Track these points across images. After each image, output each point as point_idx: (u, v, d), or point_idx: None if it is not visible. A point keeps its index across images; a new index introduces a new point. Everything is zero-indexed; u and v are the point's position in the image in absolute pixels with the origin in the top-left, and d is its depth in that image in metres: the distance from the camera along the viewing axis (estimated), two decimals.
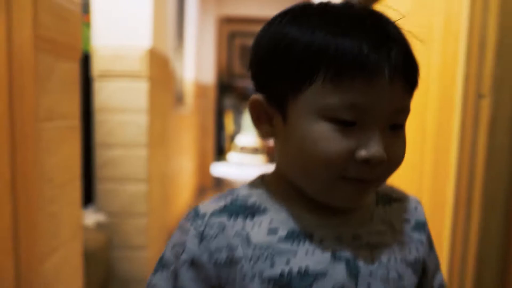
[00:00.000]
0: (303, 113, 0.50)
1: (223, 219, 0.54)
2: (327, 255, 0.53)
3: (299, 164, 0.52)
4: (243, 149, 7.95)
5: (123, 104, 2.14)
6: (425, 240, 0.61)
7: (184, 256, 0.54)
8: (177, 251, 0.55)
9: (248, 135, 8.06)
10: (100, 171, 2.16)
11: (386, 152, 0.49)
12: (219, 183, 5.59)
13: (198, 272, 0.53)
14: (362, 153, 0.48)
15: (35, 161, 1.01)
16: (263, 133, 0.56)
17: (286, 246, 0.53)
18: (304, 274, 0.52)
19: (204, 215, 0.54)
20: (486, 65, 0.77)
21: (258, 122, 0.56)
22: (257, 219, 0.54)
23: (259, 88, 0.56)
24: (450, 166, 0.92)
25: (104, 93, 2.11)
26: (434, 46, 1.05)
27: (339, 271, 0.52)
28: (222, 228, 0.53)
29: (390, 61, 0.48)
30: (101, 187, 2.17)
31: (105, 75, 2.10)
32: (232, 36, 8.26)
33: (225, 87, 7.70)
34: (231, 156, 7.73)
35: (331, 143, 0.48)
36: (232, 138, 8.03)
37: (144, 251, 2.25)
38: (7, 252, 0.96)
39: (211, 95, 5.38)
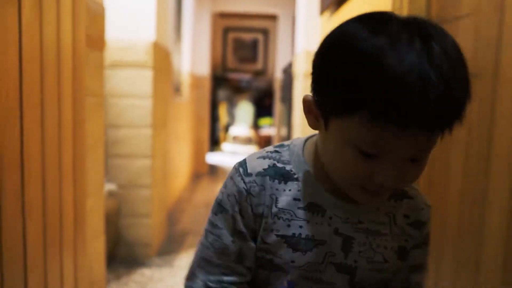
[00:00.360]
0: (341, 134, 0.57)
1: (265, 180, 0.66)
2: (331, 229, 0.65)
3: (332, 164, 0.62)
4: (236, 139, 8.29)
5: (131, 90, 2.47)
6: (418, 237, 0.69)
7: (237, 207, 0.66)
8: (231, 201, 0.67)
9: (241, 126, 8.40)
10: (111, 148, 2.49)
11: (401, 176, 0.57)
12: (213, 170, 5.93)
13: (245, 220, 0.67)
14: (378, 179, 0.57)
15: (83, 123, 1.38)
16: (310, 124, 0.64)
17: (303, 214, 0.65)
18: (309, 239, 0.65)
19: (251, 174, 0.66)
20: None
21: (307, 114, 0.64)
22: (289, 184, 0.66)
23: (314, 89, 0.62)
24: None
25: (114, 81, 2.44)
26: None
27: (336, 244, 0.66)
28: (263, 189, 0.66)
29: (437, 122, 0.52)
30: (111, 162, 2.50)
31: (115, 65, 2.43)
32: (226, 31, 8.59)
33: (219, 79, 8.03)
34: (225, 146, 8.07)
35: (354, 167, 0.57)
36: (226, 129, 8.36)
37: (148, 219, 2.59)
38: (69, 184, 1.31)
39: (207, 87, 5.70)
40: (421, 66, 0.50)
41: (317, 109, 0.61)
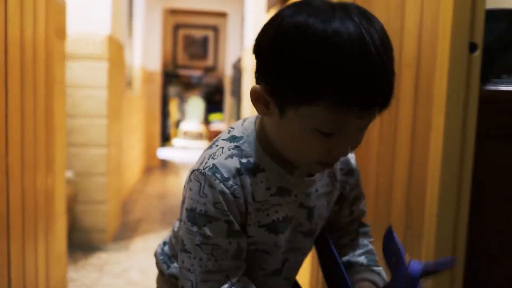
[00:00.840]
0: (299, 121, 0.61)
1: (241, 179, 0.68)
2: (297, 204, 0.73)
3: (289, 147, 0.66)
4: (186, 134, 8.39)
5: (87, 81, 2.56)
6: (353, 181, 0.81)
7: (228, 212, 0.66)
8: (220, 208, 0.66)
9: (192, 122, 8.51)
10: (68, 137, 2.57)
11: (352, 146, 0.64)
12: (164, 165, 6.02)
13: (236, 220, 0.68)
14: (336, 153, 0.64)
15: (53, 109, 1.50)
16: (259, 112, 0.66)
17: (276, 199, 0.70)
18: (284, 220, 0.72)
19: (229, 178, 0.66)
20: None
21: (256, 103, 0.65)
22: (258, 176, 0.69)
23: (261, 77, 0.64)
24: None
25: (70, 72, 2.53)
26: None
27: (302, 215, 0.74)
28: (242, 187, 0.67)
29: (383, 103, 0.60)
30: (68, 151, 2.59)
31: (72, 57, 2.51)
32: (176, 28, 8.65)
33: (170, 76, 8.09)
34: (176, 141, 8.15)
35: (315, 148, 0.62)
36: (176, 124, 8.44)
37: (104, 205, 2.69)
38: (43, 166, 1.44)
39: (158, 82, 5.78)
40: (374, 43, 0.56)
41: (269, 98, 0.63)
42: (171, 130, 8.02)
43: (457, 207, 0.89)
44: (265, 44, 0.63)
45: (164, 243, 0.88)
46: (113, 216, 2.90)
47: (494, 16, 0.99)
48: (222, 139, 0.72)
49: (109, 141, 2.69)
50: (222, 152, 0.69)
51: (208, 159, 0.68)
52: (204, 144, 8.15)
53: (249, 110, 2.95)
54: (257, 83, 0.66)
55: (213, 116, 8.38)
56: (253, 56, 0.67)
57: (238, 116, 3.61)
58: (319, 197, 0.75)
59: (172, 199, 4.02)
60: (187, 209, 0.68)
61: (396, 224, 1.15)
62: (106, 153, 2.65)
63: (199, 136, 8.39)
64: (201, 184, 0.67)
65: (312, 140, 0.61)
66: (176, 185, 4.70)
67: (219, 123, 8.14)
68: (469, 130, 0.88)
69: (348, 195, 0.82)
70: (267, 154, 0.69)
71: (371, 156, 1.29)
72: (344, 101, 0.56)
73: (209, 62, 8.88)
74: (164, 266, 0.84)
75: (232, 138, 0.71)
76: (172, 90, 8.18)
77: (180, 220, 0.74)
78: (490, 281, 1.05)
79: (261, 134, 0.70)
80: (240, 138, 0.70)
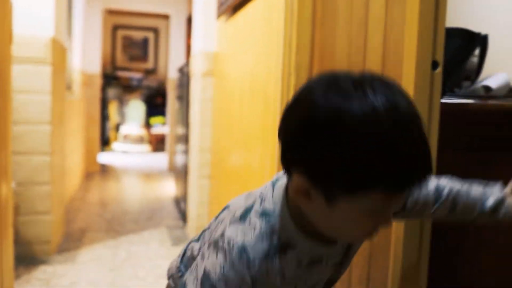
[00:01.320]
0: (352, 207, 0.60)
1: (268, 263, 0.67)
2: (329, 266, 0.75)
3: (335, 230, 0.67)
4: (127, 138, 8.17)
5: (29, 86, 2.43)
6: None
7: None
8: (235, 284, 0.67)
9: (132, 125, 8.30)
10: None
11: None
12: (104, 170, 5.83)
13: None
14: (382, 227, 0.66)
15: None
16: (302, 203, 0.65)
17: (306, 270, 0.72)
18: (317, 281, 0.76)
19: (254, 261, 0.66)
20: (292, 57, 1.39)
21: (295, 195, 0.65)
22: (289, 254, 0.68)
23: (297, 166, 0.63)
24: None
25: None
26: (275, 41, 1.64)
27: (334, 269, 0.77)
28: (267, 272, 0.68)
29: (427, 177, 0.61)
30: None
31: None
32: (115, 29, 8.40)
33: (109, 78, 7.84)
34: (116, 145, 7.91)
35: (365, 225, 0.64)
36: (116, 128, 8.20)
37: (47, 216, 2.57)
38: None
39: (97, 85, 5.59)
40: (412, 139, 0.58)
41: (313, 185, 0.61)
42: (111, 133, 7.78)
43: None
44: (302, 135, 0.60)
45: (181, 261, 0.90)
46: (57, 226, 2.77)
47: (449, 34, 1.07)
48: (255, 215, 0.70)
49: (53, 148, 2.57)
50: (253, 232, 0.68)
51: (238, 236, 0.68)
52: (145, 148, 7.99)
53: (198, 117, 2.94)
54: (287, 170, 0.65)
55: (155, 120, 8.23)
56: (281, 141, 0.65)
57: (185, 121, 3.57)
58: (348, 254, 0.78)
59: (115, 206, 3.91)
60: (205, 270, 0.70)
61: None
62: (49, 161, 2.53)
63: (140, 140, 8.19)
64: (225, 259, 0.68)
65: (362, 220, 0.63)
66: (118, 191, 4.58)
67: (161, 126, 8.00)
68: (432, 140, 0.94)
69: (410, 203, 0.83)
70: (300, 230, 0.69)
71: None
72: (399, 183, 0.58)
73: (150, 64, 8.70)
74: None
75: (265, 214, 0.70)
76: (111, 92, 7.93)
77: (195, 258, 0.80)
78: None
79: (296, 211, 0.68)
80: (273, 213, 0.69)
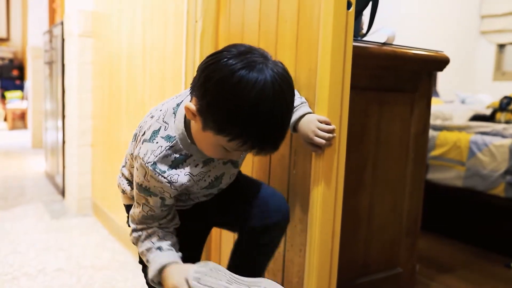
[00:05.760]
0: (212, 138, 0.89)
1: (176, 170, 0.98)
2: (222, 163, 1.05)
3: (202, 147, 0.95)
4: None
5: None
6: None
7: (166, 194, 0.99)
8: (159, 190, 0.98)
9: None
10: None
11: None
12: None
13: (171, 196, 1.01)
14: (231, 157, 0.98)
15: None
16: (189, 117, 0.92)
17: (205, 169, 1.02)
18: (216, 177, 1.05)
19: (165, 171, 0.96)
20: (197, 2, 1.38)
21: (187, 112, 0.91)
22: (189, 160, 0.99)
23: (197, 96, 0.88)
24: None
25: None
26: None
27: (229, 167, 1.07)
28: (178, 175, 0.98)
29: (274, 149, 0.91)
30: None
31: None
32: None
33: None
34: None
35: (219, 152, 0.93)
36: None
37: None
38: None
39: None
40: (273, 106, 0.84)
41: (198, 113, 0.88)
42: None
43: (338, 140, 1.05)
44: (211, 81, 0.84)
45: (123, 168, 1.14)
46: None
47: None
48: (161, 137, 0.96)
49: None
50: (160, 151, 0.95)
51: (150, 155, 0.95)
52: (2, 125, 7.16)
53: (76, 82, 2.73)
54: (191, 93, 0.91)
55: (10, 94, 7.38)
56: (198, 75, 0.88)
57: (56, 89, 3.29)
58: (225, 167, 1.07)
59: None
60: (136, 182, 1.00)
61: (284, 165, 1.27)
62: None
63: None
64: (146, 172, 0.96)
65: (217, 150, 0.92)
66: None
67: (19, 101, 7.21)
68: (346, 75, 1.03)
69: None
70: (193, 143, 0.97)
71: None
72: (253, 145, 0.86)
73: (1, 32, 7.76)
74: (128, 188, 1.13)
75: (168, 138, 0.96)
76: None
77: (132, 155, 1.03)
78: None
79: (188, 130, 0.97)
80: (174, 138, 0.96)
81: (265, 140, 0.85)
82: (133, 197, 1.07)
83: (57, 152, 3.31)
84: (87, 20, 2.71)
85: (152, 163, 0.94)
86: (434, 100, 2.40)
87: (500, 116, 2.69)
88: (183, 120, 0.97)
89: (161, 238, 1.03)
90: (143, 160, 0.95)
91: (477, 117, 2.73)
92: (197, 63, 1.42)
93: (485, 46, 4.71)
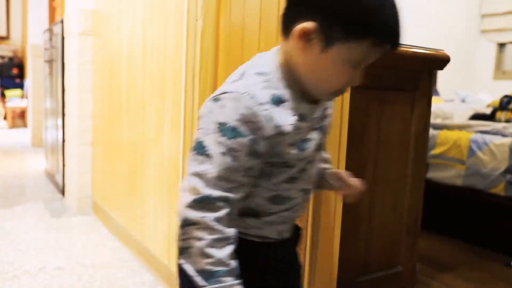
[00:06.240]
0: (341, 55, 0.72)
1: (274, 106, 0.75)
2: (313, 129, 0.84)
3: (318, 79, 0.77)
4: None
5: None
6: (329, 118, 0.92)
7: (262, 132, 0.74)
8: (252, 128, 0.73)
9: None
10: None
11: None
12: None
13: (259, 142, 0.75)
14: (352, 83, 0.78)
15: None
16: (299, 47, 0.74)
17: (300, 124, 0.79)
18: (308, 139, 0.82)
19: (264, 103, 0.74)
20: (198, 1, 1.38)
21: (299, 39, 0.74)
22: (285, 105, 0.76)
23: (311, 15, 0.72)
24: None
25: None
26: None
27: (317, 135, 0.85)
28: (280, 113, 0.75)
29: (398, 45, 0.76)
30: None
31: None
32: None
33: None
34: None
35: (343, 77, 0.75)
36: None
37: None
38: None
39: None
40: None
41: (317, 35, 0.72)
42: None
43: None
44: None
45: None
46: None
47: None
48: (251, 74, 0.77)
49: None
50: (256, 82, 0.75)
51: (245, 86, 0.74)
52: (2, 124, 7.16)
53: (76, 82, 2.73)
54: (297, 19, 0.73)
55: (10, 93, 7.37)
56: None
57: (56, 88, 3.29)
58: (325, 119, 0.88)
59: None
60: (219, 122, 0.73)
61: None
62: None
63: None
64: (238, 106, 0.72)
65: (343, 72, 0.74)
66: None
67: (19, 100, 7.20)
68: None
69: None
70: (291, 88, 0.78)
71: None
72: (386, 40, 0.73)
73: (1, 31, 7.75)
74: None
75: (261, 74, 0.77)
76: None
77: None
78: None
79: (286, 70, 0.78)
80: (268, 73, 0.77)
81: (398, 28, 0.74)
82: None
83: (57, 151, 3.31)
84: (87, 19, 2.71)
85: (247, 92, 0.73)
86: (434, 99, 2.40)
87: (500, 115, 2.69)
88: (275, 63, 0.79)
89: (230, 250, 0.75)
90: (235, 92, 0.73)
91: (477, 116, 2.73)
92: (198, 62, 1.42)
93: (486, 45, 4.71)
